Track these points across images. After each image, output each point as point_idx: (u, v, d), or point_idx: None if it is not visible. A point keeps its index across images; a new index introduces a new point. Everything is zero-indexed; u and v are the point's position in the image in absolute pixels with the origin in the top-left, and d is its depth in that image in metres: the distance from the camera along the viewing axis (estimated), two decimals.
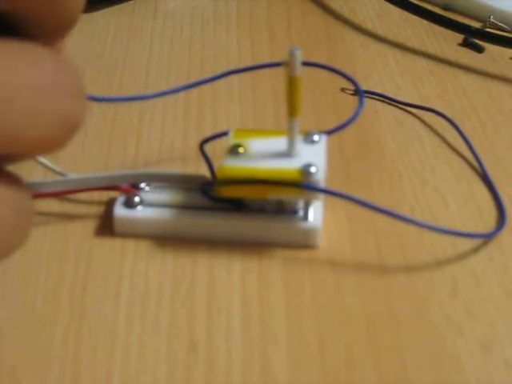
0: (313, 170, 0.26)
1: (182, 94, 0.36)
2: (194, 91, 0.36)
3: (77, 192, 0.28)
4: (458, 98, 0.36)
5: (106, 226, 0.28)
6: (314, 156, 0.27)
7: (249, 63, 0.38)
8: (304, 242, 0.27)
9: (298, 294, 0.26)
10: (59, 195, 0.29)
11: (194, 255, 0.27)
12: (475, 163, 0.32)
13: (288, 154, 0.27)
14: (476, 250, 0.28)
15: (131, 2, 0.44)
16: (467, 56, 0.39)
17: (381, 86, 0.36)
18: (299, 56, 0.25)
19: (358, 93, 0.31)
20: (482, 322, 0.25)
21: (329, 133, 0.29)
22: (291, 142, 0.27)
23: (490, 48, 0.39)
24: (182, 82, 0.37)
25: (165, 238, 0.28)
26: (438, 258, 0.27)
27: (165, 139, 0.33)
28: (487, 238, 0.28)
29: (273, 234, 0.27)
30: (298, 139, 0.27)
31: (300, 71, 0.25)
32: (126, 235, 0.28)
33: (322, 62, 0.38)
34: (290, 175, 0.26)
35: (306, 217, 0.27)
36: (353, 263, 0.27)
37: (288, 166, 0.26)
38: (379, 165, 0.32)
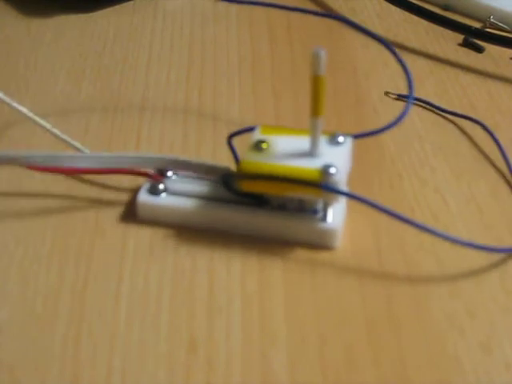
0: (332, 170, 0.26)
1: (182, 94, 0.36)
2: (194, 91, 0.36)
3: (101, 173, 0.29)
4: (458, 98, 0.36)
5: (132, 212, 0.29)
6: (336, 157, 0.27)
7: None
8: (320, 243, 0.27)
9: (298, 291, 0.26)
10: (83, 172, 0.29)
11: (194, 254, 0.27)
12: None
13: (310, 153, 0.27)
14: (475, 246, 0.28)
15: (131, 1, 0.44)
16: (467, 56, 0.39)
17: (381, 86, 0.36)
18: (324, 56, 0.25)
19: (408, 98, 0.30)
20: (482, 321, 0.25)
21: (355, 136, 0.29)
22: (314, 142, 0.27)
23: (490, 48, 0.39)
24: (182, 81, 0.37)
25: (166, 238, 0.28)
26: (438, 254, 0.27)
27: (165, 139, 0.33)
28: (496, 252, 0.27)
29: (290, 232, 0.27)
30: (322, 140, 0.27)
31: (324, 70, 0.25)
32: (149, 221, 0.28)
33: None
34: (309, 175, 0.26)
35: (324, 218, 0.27)
36: (353, 260, 0.27)
37: (308, 166, 0.26)
38: (379, 165, 0.32)
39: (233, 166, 0.28)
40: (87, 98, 0.36)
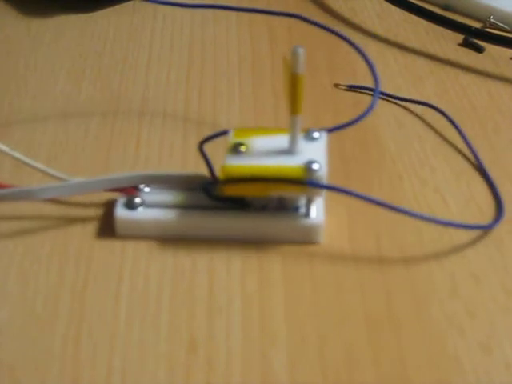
0: (315, 166, 0.26)
1: (182, 94, 0.36)
2: (194, 91, 0.36)
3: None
4: (458, 98, 0.36)
5: (107, 228, 0.28)
6: (315, 153, 0.27)
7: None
8: (306, 239, 0.28)
9: (298, 291, 0.26)
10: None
11: (193, 255, 0.27)
12: (474, 160, 0.32)
13: (290, 151, 0.27)
14: (475, 246, 0.28)
15: (131, 2, 0.44)
16: (467, 56, 0.39)
17: (381, 86, 0.36)
18: (302, 54, 0.25)
19: (374, 91, 0.31)
20: (482, 321, 0.25)
21: (329, 130, 0.29)
22: (293, 140, 0.27)
23: (490, 48, 0.39)
24: (182, 81, 0.37)
25: (166, 239, 0.28)
26: (438, 254, 0.27)
27: (165, 140, 0.33)
28: (485, 229, 0.28)
29: (276, 232, 0.28)
30: (299, 137, 0.27)
31: (302, 69, 0.26)
32: (127, 237, 0.28)
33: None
34: (294, 172, 0.26)
35: (307, 214, 0.27)
36: (353, 260, 0.27)
37: (291, 164, 0.27)
38: (379, 165, 0.32)
39: (207, 172, 0.28)
40: (87, 98, 0.36)
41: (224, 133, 0.28)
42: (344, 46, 0.40)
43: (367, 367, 0.24)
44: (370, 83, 0.37)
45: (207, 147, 0.28)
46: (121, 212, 0.28)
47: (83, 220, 0.29)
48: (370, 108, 0.31)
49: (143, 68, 0.38)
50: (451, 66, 0.38)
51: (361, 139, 0.33)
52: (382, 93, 0.35)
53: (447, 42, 0.40)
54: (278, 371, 0.23)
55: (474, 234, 0.28)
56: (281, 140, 0.27)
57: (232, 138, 0.28)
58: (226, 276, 0.27)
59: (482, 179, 0.31)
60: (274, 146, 0.28)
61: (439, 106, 0.35)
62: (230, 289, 0.26)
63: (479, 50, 0.39)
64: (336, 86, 0.36)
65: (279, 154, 0.27)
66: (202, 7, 0.39)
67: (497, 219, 0.29)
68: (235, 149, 0.27)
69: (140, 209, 0.28)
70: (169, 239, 0.28)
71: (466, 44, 0.40)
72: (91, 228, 0.28)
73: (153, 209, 0.28)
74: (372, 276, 0.27)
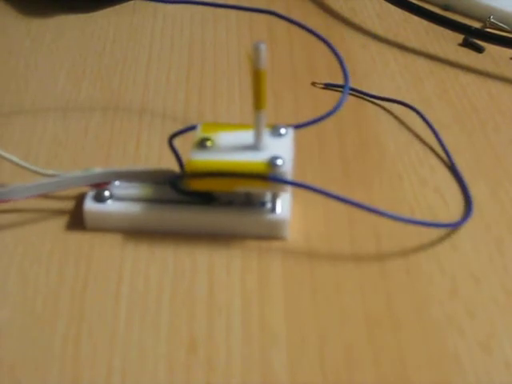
0: (279, 162, 0.27)
1: (182, 94, 0.36)
2: (194, 91, 0.36)
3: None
4: (458, 98, 0.36)
5: (77, 221, 0.28)
6: (280, 149, 0.27)
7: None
8: (272, 234, 0.28)
9: (298, 291, 0.26)
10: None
11: (193, 255, 0.27)
12: (446, 159, 0.32)
13: (255, 147, 0.28)
14: (476, 246, 0.28)
15: (131, 2, 0.44)
16: (467, 56, 0.39)
17: (381, 86, 0.36)
18: (264, 49, 0.26)
19: (343, 87, 0.31)
20: (482, 321, 0.25)
21: (296, 127, 0.29)
22: (258, 135, 0.27)
23: (490, 48, 0.39)
24: (182, 81, 0.37)
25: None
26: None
27: (165, 139, 0.33)
28: (453, 227, 0.28)
29: (241, 227, 0.28)
30: (265, 132, 0.28)
31: (265, 64, 0.26)
32: (96, 229, 0.28)
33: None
34: (257, 168, 0.27)
35: (273, 209, 0.28)
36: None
37: (255, 159, 0.27)
38: (379, 165, 0.32)
39: (177, 167, 0.28)
40: (87, 98, 0.36)
41: (193, 128, 0.29)
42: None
43: (367, 367, 0.24)
44: (370, 84, 0.37)
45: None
46: (90, 205, 0.28)
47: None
48: (339, 105, 0.30)
49: (143, 68, 0.38)
50: (451, 66, 0.38)
51: (361, 139, 0.33)
52: (354, 89, 0.35)
53: (447, 42, 0.40)
54: (278, 371, 0.23)
55: (473, 233, 0.28)
56: (247, 136, 0.28)
57: (199, 133, 0.28)
58: (226, 276, 0.27)
59: (452, 177, 0.31)
60: (240, 141, 0.28)
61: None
62: (230, 289, 0.26)
63: (479, 50, 0.39)
64: (313, 84, 0.36)
65: (245, 149, 0.28)
66: (176, 2, 0.40)
67: (465, 217, 0.29)
68: (201, 144, 0.28)
69: (109, 202, 0.28)
70: (167, 236, 0.28)
71: (465, 44, 0.40)
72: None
73: (121, 202, 0.28)
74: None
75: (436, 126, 0.34)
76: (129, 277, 0.27)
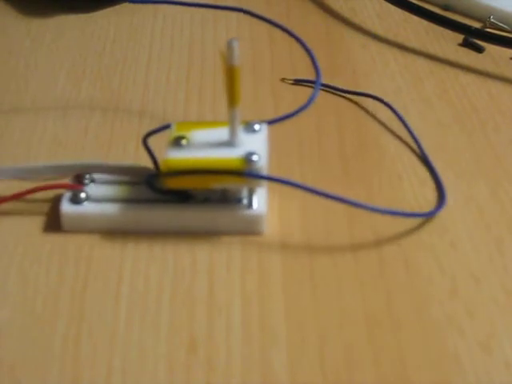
0: (255, 158, 0.27)
1: (181, 94, 0.36)
2: (194, 91, 0.36)
3: (18, 197, 0.28)
4: (458, 98, 0.36)
5: (54, 223, 0.28)
6: (255, 145, 0.28)
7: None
8: (249, 230, 0.28)
9: (298, 290, 0.26)
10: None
11: (193, 255, 0.27)
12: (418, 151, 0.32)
13: (230, 143, 0.28)
14: (476, 246, 0.28)
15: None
16: (467, 56, 0.39)
17: (381, 86, 0.36)
18: (237, 46, 0.26)
19: (315, 83, 0.32)
20: (482, 321, 0.25)
21: (270, 122, 0.30)
22: (233, 132, 0.28)
23: (490, 48, 0.39)
24: (182, 81, 0.37)
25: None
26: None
27: (165, 139, 0.33)
28: (427, 217, 0.29)
29: (219, 223, 0.28)
30: (239, 129, 0.28)
31: (238, 61, 0.26)
32: (73, 231, 0.28)
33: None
34: (233, 164, 0.27)
35: (250, 205, 0.28)
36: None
37: (230, 156, 0.27)
38: (379, 165, 0.32)
39: (151, 165, 0.29)
40: (87, 98, 0.36)
41: (167, 126, 0.29)
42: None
43: (367, 367, 0.24)
44: (370, 84, 0.37)
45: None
46: (66, 207, 0.28)
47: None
48: (310, 100, 0.31)
49: (143, 68, 0.38)
50: (451, 66, 0.38)
51: (361, 139, 0.33)
52: (324, 85, 0.36)
53: (447, 42, 0.40)
54: (278, 371, 0.23)
55: (473, 233, 0.28)
56: (221, 132, 0.28)
57: (173, 132, 0.28)
58: (226, 276, 0.27)
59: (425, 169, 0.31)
60: (214, 138, 0.28)
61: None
62: (230, 289, 0.26)
63: (479, 50, 0.39)
64: (282, 80, 0.37)
65: (220, 146, 0.28)
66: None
67: (438, 207, 0.29)
68: (176, 142, 0.28)
69: (85, 203, 0.28)
70: (165, 236, 0.28)
71: (465, 44, 0.40)
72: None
73: (98, 203, 0.28)
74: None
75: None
76: (129, 277, 0.27)
